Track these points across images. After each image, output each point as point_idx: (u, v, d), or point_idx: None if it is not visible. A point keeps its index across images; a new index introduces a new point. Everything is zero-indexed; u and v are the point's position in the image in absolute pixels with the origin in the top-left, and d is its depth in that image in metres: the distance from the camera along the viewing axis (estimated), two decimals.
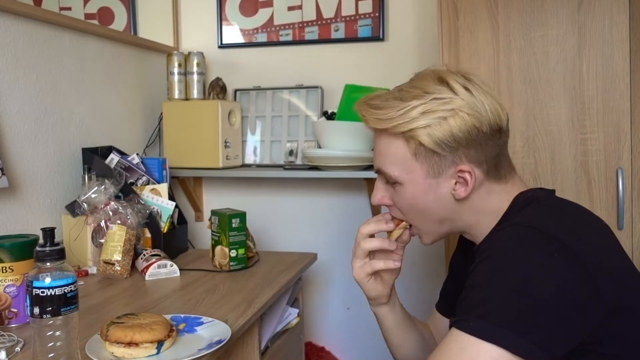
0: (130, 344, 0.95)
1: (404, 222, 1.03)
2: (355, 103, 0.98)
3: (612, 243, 0.92)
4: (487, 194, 0.95)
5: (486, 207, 0.95)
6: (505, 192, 0.96)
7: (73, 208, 1.56)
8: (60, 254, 0.89)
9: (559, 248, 0.81)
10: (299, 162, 2.10)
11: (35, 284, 0.87)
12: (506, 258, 0.82)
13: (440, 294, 1.22)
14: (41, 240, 0.91)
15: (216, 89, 2.08)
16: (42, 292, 0.86)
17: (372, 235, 1.06)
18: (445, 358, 0.81)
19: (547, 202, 0.94)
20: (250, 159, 2.17)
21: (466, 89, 0.91)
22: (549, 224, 0.85)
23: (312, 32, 2.17)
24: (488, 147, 0.92)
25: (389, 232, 1.05)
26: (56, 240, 0.90)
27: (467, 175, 0.92)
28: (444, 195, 0.94)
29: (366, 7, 2.11)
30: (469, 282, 0.85)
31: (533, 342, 0.77)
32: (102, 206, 1.54)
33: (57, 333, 0.88)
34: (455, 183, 0.93)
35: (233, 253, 1.58)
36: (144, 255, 1.55)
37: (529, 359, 0.77)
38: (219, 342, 1.01)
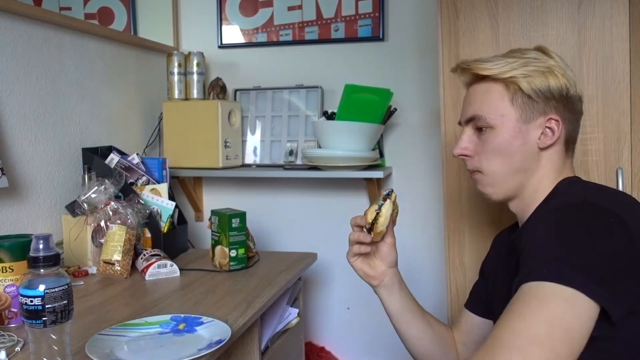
0: None
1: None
2: (456, 64, 1.09)
3: None
4: (558, 157, 1.03)
5: (549, 174, 1.03)
6: (565, 168, 1.04)
7: (73, 208, 1.56)
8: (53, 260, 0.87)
9: (615, 217, 0.86)
10: (299, 162, 2.10)
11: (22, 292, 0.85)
12: (570, 221, 0.85)
13: (471, 294, 1.24)
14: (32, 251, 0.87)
15: (216, 89, 2.08)
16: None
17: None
18: (524, 313, 0.78)
19: (590, 184, 1.04)
20: (250, 159, 2.17)
21: (561, 58, 1.04)
22: (601, 200, 0.92)
23: (312, 32, 2.17)
24: (573, 109, 1.04)
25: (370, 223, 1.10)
26: (51, 245, 0.87)
27: (554, 125, 1.01)
28: (530, 141, 1.02)
29: (366, 7, 2.11)
30: (528, 247, 0.86)
31: (609, 292, 0.79)
32: (102, 206, 1.54)
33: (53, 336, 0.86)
34: (542, 133, 1.02)
35: (233, 253, 1.58)
36: (144, 255, 1.55)
37: (606, 306, 0.78)
38: (219, 342, 1.01)
